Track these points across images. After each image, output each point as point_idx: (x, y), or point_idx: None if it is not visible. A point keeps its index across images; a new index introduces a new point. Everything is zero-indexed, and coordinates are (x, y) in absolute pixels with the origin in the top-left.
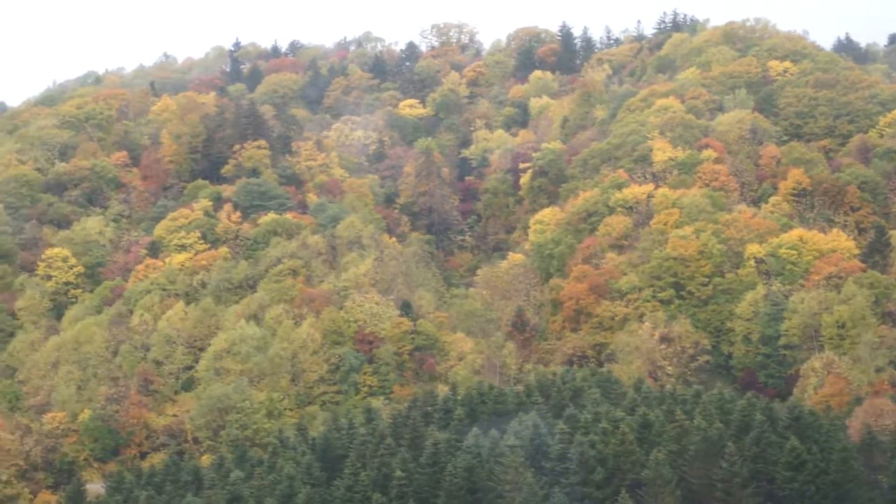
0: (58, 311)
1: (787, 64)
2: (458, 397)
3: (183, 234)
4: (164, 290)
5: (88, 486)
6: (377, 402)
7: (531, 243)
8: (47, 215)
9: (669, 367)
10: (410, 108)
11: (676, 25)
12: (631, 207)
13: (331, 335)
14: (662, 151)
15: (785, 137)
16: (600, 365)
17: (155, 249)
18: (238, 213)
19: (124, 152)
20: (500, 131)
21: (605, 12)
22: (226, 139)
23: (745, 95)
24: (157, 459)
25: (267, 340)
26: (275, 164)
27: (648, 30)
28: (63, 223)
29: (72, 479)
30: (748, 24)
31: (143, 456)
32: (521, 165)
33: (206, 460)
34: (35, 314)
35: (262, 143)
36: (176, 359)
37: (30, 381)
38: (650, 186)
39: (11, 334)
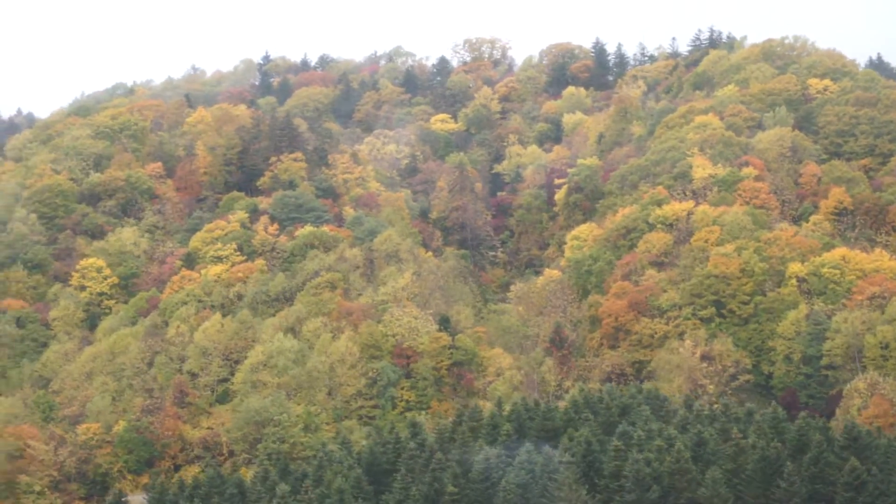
0: (91, 321)
1: (826, 82)
2: (504, 413)
3: (219, 245)
4: (200, 301)
5: (129, 497)
6: (420, 417)
7: (567, 259)
8: (81, 226)
9: (710, 386)
10: (442, 122)
11: (713, 42)
12: (671, 224)
13: (368, 349)
14: (702, 168)
15: (825, 156)
16: (640, 382)
17: (190, 261)
18: (275, 226)
19: (159, 163)
20: (533, 147)
21: (639, 29)
22: (261, 151)
23: (786, 113)
24: (192, 472)
25: (304, 353)
26: (311, 177)
27: (683, 47)
28: (97, 234)
29: (106, 490)
30: (787, 41)
31: (176, 468)
32: (557, 181)
33: (246, 473)
34: (69, 325)
35: (299, 155)
36: (212, 371)
37: (63, 392)
38: (690, 203)
39: (45, 344)
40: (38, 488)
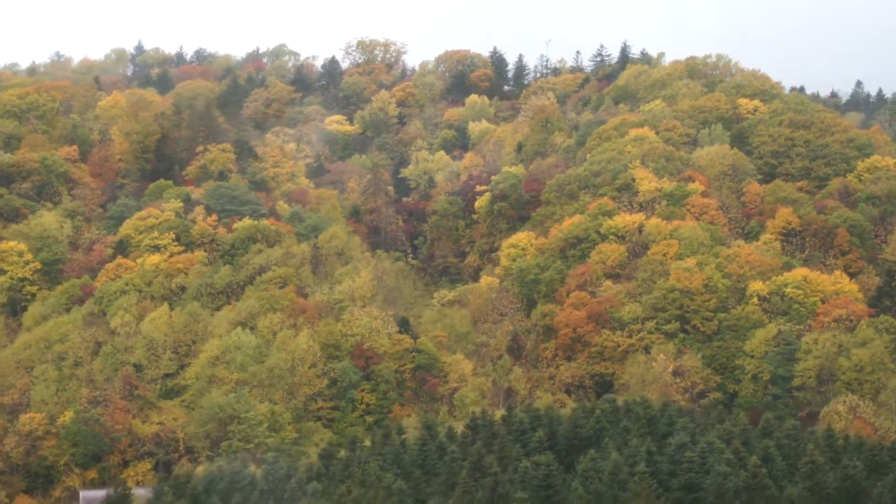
0: (12, 307)
1: (756, 102)
2: (517, 418)
3: (155, 234)
4: (140, 291)
5: (136, 490)
6: (409, 420)
7: (504, 268)
8: None
9: (682, 402)
10: (338, 124)
11: (624, 57)
12: (622, 236)
13: (327, 348)
14: (647, 181)
15: (759, 176)
16: (598, 396)
17: (121, 249)
18: (213, 216)
19: (74, 147)
20: (441, 153)
21: (532, 41)
22: (181, 140)
23: (721, 131)
24: (143, 468)
25: (262, 350)
26: (240, 170)
27: (585, 61)
28: (13, 216)
29: (50, 484)
30: (710, 60)
31: (125, 464)
32: (478, 188)
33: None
34: None
35: (227, 146)
36: (161, 364)
37: None
38: (640, 216)
39: None
40: None
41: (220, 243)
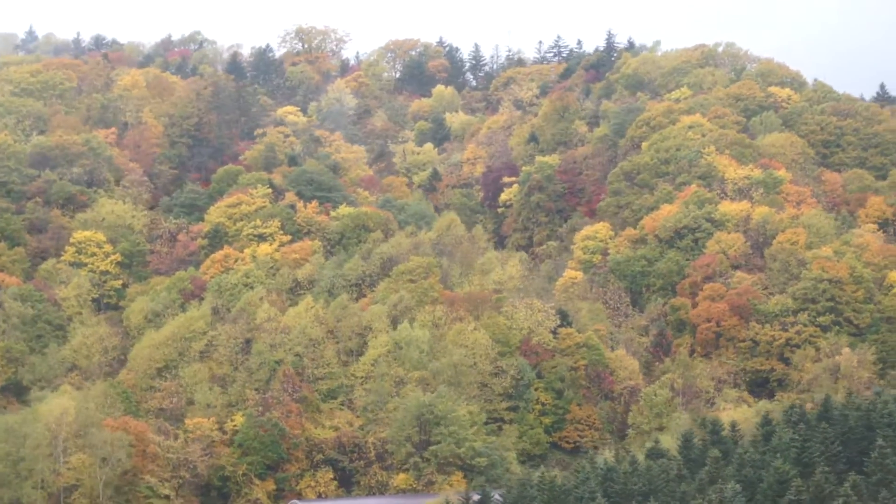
0: (96, 304)
1: (788, 91)
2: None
3: (257, 222)
4: (261, 283)
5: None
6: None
7: (580, 261)
8: (49, 195)
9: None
10: (293, 115)
11: (611, 47)
12: (736, 224)
13: (496, 344)
14: (732, 169)
15: (811, 166)
16: (771, 393)
17: (217, 238)
18: (314, 203)
19: (113, 129)
20: (428, 145)
21: (476, 32)
22: (220, 124)
23: (775, 118)
24: (324, 478)
25: (433, 345)
26: (308, 155)
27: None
28: (66, 203)
29: (227, 497)
30: (719, 48)
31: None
32: (506, 179)
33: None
34: (82, 306)
35: (286, 129)
36: (324, 362)
37: (127, 381)
38: (746, 204)
39: (61, 327)
40: (166, 491)
41: (328, 232)
